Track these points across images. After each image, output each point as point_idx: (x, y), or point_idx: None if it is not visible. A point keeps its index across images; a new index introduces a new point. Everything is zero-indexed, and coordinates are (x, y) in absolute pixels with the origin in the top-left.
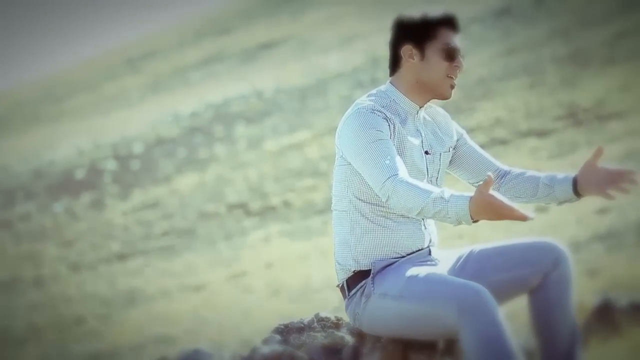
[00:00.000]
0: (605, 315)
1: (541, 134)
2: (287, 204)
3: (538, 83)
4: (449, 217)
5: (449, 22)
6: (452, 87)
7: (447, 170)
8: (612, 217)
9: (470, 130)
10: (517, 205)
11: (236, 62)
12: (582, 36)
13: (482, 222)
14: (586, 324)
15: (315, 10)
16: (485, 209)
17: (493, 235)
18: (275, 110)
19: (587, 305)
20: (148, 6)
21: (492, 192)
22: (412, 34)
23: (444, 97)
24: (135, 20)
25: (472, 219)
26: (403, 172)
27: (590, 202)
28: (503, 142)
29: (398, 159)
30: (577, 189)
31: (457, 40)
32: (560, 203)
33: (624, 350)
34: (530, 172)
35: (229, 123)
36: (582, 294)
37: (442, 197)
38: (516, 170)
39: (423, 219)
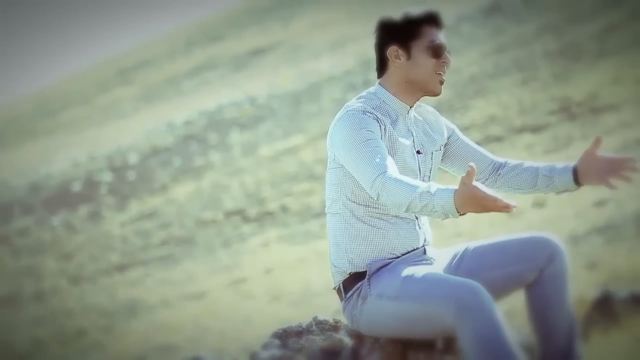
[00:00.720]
0: (606, 307)
1: (535, 129)
2: (284, 209)
3: (530, 79)
4: (436, 211)
5: (431, 20)
6: (441, 82)
7: (442, 167)
8: (610, 210)
9: (464, 129)
10: (500, 195)
11: (228, 70)
12: (573, 31)
13: (481, 219)
14: (587, 316)
15: (304, 16)
16: (470, 200)
17: (492, 232)
18: (269, 116)
19: (587, 298)
20: (138, 16)
21: (475, 183)
22: (397, 35)
23: (435, 93)
24: (125, 31)
25: (458, 211)
26: (393, 169)
27: (588, 195)
28: (498, 139)
29: (389, 157)
30: (577, 178)
31: (442, 36)
32: (559, 192)
33: (624, 341)
34: (528, 163)
35: (223, 130)
36: (582, 287)
37: (428, 191)
38: (512, 161)
39: (417, 219)
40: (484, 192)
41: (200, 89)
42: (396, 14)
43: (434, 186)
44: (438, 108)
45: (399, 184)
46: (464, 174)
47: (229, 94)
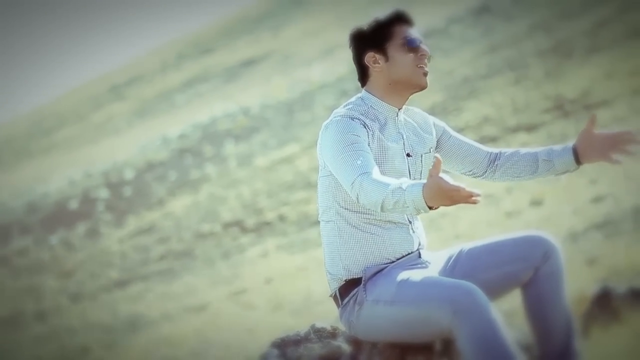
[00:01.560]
0: (605, 303)
1: (530, 128)
2: (282, 218)
3: (523, 78)
4: (407, 207)
5: (400, 18)
6: (425, 74)
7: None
8: (607, 205)
9: (459, 130)
10: (464, 184)
11: (220, 81)
12: (563, 27)
13: (478, 219)
14: (587, 312)
15: (294, 24)
16: (436, 192)
17: (490, 232)
18: (263, 126)
19: (587, 294)
20: (128, 32)
21: (441, 174)
22: (370, 41)
23: (421, 86)
24: (116, 47)
25: (427, 205)
26: (374, 171)
27: (585, 192)
28: (493, 139)
29: (371, 159)
30: (577, 158)
31: (414, 31)
32: (559, 174)
33: (624, 336)
34: (524, 150)
35: (217, 142)
36: (582, 283)
37: (400, 187)
38: (507, 150)
39: (411, 223)
40: (448, 183)
41: (193, 102)
42: (364, 23)
43: (406, 182)
44: (432, 110)
45: (375, 183)
46: (461, 170)
47: (222, 106)
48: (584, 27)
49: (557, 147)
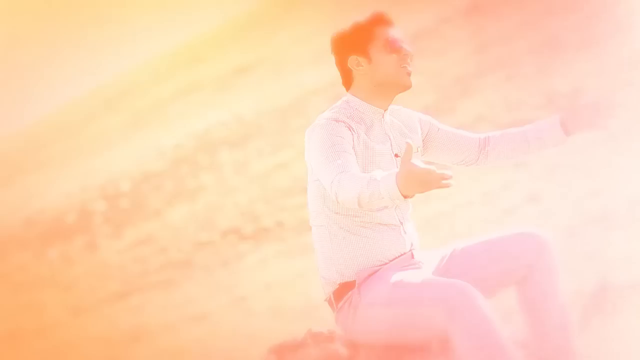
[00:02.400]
0: (604, 297)
1: (524, 125)
2: (279, 224)
3: (514, 75)
4: (383, 198)
5: (380, 20)
6: (409, 74)
7: (436, 161)
8: (604, 199)
9: None
10: (434, 167)
11: (213, 90)
12: (553, 23)
13: (475, 217)
14: (585, 308)
15: (286, 30)
16: (409, 179)
17: (488, 230)
18: (258, 133)
19: (586, 288)
20: (120, 43)
21: (413, 160)
22: (352, 45)
23: (405, 86)
24: (108, 60)
25: (402, 194)
26: (353, 169)
27: (581, 186)
28: None
29: (352, 160)
30: (566, 129)
31: (395, 31)
32: (550, 148)
33: (623, 331)
34: (512, 130)
35: (213, 150)
36: (580, 278)
37: (374, 179)
38: (494, 134)
39: (402, 224)
40: (418, 167)
41: (187, 111)
42: (344, 27)
43: (381, 174)
44: (425, 111)
45: (351, 179)
46: (453, 161)
47: (216, 114)
48: (574, 22)
49: (544, 122)
